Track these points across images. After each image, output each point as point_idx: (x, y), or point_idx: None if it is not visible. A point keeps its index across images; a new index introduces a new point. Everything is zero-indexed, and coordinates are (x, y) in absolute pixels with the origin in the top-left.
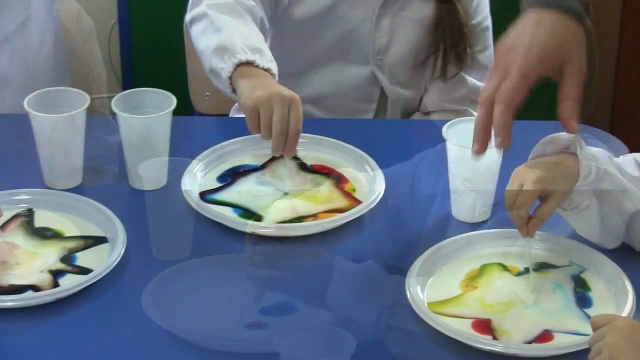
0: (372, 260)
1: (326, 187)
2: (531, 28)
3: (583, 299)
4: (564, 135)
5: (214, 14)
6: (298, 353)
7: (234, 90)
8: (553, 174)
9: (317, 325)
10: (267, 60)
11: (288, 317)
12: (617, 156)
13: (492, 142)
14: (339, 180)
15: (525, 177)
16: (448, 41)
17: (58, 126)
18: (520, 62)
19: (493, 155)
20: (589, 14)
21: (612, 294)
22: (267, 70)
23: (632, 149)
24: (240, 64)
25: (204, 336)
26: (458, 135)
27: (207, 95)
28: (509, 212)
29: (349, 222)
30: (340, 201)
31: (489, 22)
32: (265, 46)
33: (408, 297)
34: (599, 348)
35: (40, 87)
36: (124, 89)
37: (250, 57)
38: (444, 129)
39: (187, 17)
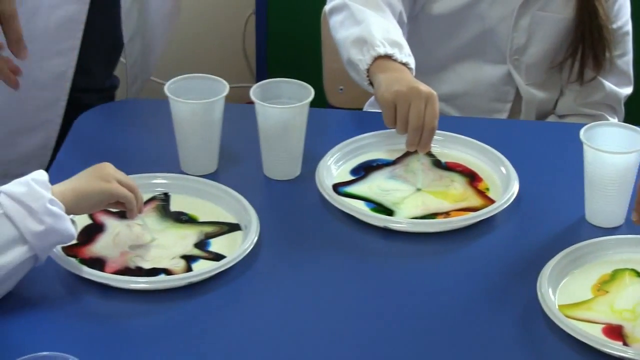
0: (503, 260)
1: (460, 185)
2: None
3: None
4: None
5: (355, 6)
6: None
7: (371, 83)
8: None
9: (446, 323)
10: (406, 54)
11: (416, 313)
12: None
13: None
14: (472, 178)
15: None
16: (587, 44)
17: (197, 112)
18: None
19: (631, 160)
20: None
21: None
22: (405, 64)
23: None
24: (379, 57)
25: (328, 328)
26: (596, 139)
27: (341, 89)
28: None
29: (481, 221)
30: (474, 200)
31: (629, 27)
32: (404, 40)
33: (539, 298)
34: None
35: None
36: (258, 79)
37: (389, 50)
38: (582, 132)
39: (327, 7)
